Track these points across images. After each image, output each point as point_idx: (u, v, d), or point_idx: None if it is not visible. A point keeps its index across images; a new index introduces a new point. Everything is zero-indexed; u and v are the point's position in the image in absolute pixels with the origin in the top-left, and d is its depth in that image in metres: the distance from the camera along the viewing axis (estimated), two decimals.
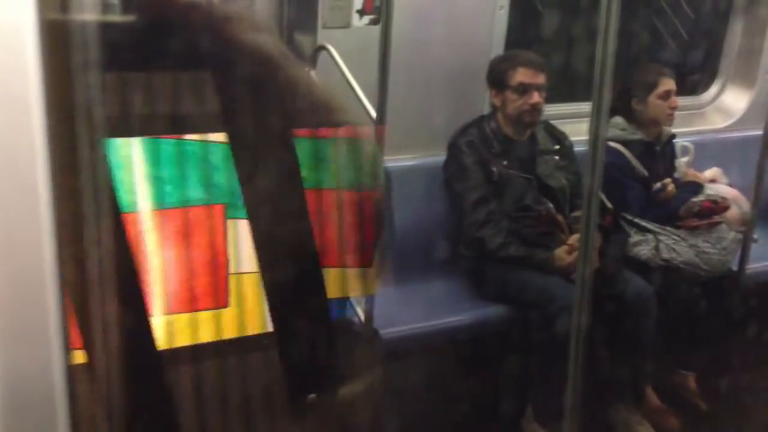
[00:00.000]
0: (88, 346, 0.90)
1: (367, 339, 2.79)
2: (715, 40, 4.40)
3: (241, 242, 1.09)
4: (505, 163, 3.23)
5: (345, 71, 2.82)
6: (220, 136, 1.07)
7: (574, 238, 3.07)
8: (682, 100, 3.72)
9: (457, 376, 3.14)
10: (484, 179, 3.20)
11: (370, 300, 2.77)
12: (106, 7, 1.07)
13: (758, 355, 3.55)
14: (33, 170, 0.55)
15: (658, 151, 3.63)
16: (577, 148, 3.40)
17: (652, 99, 3.51)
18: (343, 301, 1.24)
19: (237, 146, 1.07)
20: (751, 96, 4.26)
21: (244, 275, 1.10)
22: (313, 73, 2.79)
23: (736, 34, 4.28)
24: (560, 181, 3.30)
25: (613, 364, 3.15)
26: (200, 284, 1.06)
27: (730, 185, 3.80)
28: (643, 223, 3.44)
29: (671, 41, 4.56)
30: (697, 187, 3.61)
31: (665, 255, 3.37)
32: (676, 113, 3.60)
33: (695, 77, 4.51)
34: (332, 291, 1.18)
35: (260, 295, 1.11)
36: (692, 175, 3.77)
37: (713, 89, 4.41)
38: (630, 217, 3.45)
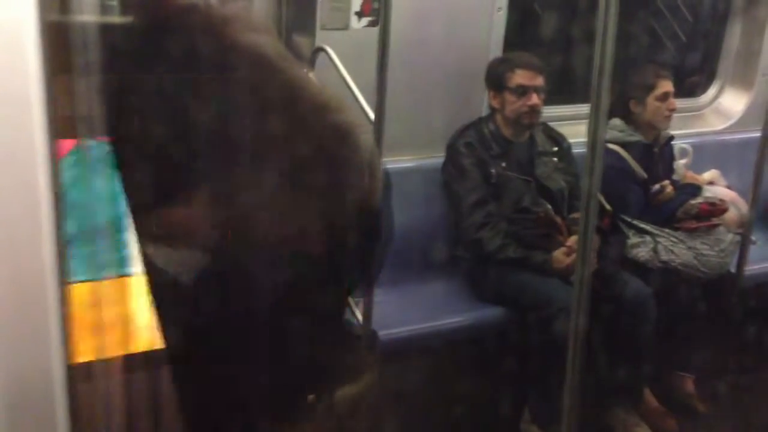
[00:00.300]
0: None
1: (365, 340, 2.80)
2: (714, 41, 4.40)
3: None
4: (503, 164, 3.23)
5: (343, 73, 2.82)
6: None
7: (572, 240, 3.07)
8: (680, 102, 3.73)
9: (455, 377, 3.14)
10: (483, 181, 3.20)
11: (368, 302, 2.77)
12: (105, 9, 1.07)
13: (756, 356, 3.56)
14: (33, 170, 0.55)
15: (657, 153, 3.63)
16: (575, 150, 3.41)
17: (651, 101, 3.51)
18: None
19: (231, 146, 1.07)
20: (749, 98, 4.26)
21: None
22: (311, 74, 2.79)
23: (734, 35, 4.28)
24: (559, 182, 3.30)
25: (611, 366, 3.15)
26: None
27: (729, 187, 3.80)
28: (642, 225, 3.44)
29: (669, 43, 4.56)
30: (695, 189, 3.61)
31: (663, 257, 3.37)
32: (675, 115, 3.60)
33: (693, 79, 4.51)
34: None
35: None
36: (690, 177, 3.78)
37: (711, 91, 4.41)
38: (628, 219, 3.45)
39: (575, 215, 3.14)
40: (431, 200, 3.36)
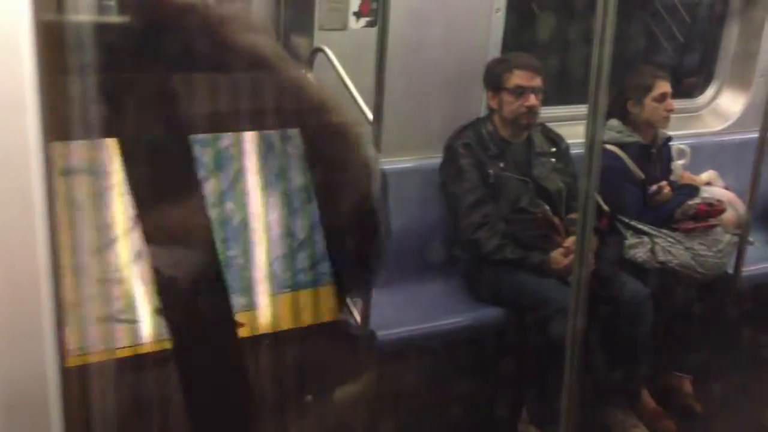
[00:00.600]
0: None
1: (363, 341, 2.79)
2: (711, 43, 4.41)
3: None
4: (501, 165, 3.23)
5: (342, 73, 2.82)
6: None
7: (570, 241, 3.07)
8: (678, 103, 3.73)
9: (453, 378, 3.14)
10: (480, 181, 3.20)
11: (366, 302, 2.77)
12: (102, 9, 1.07)
13: (754, 357, 3.56)
14: (28, 171, 0.55)
15: (654, 154, 3.63)
16: (573, 151, 3.41)
17: (648, 101, 3.51)
18: None
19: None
20: (746, 99, 4.27)
21: None
22: (309, 75, 2.79)
23: (732, 36, 4.29)
24: (556, 183, 3.30)
25: (609, 367, 3.15)
26: None
27: (726, 188, 3.80)
28: (639, 226, 3.44)
29: (667, 44, 4.57)
30: (693, 190, 3.61)
31: (661, 257, 3.38)
32: (672, 116, 3.61)
33: (691, 80, 4.52)
34: None
35: None
36: (688, 177, 3.78)
37: (709, 92, 4.41)
38: (626, 220, 3.45)
39: (573, 216, 3.14)
40: (429, 201, 3.36)
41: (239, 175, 1.08)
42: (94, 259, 0.93)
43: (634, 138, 3.55)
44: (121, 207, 0.96)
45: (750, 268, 3.57)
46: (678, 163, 3.78)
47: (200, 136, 1.06)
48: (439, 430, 3.15)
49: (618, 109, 3.53)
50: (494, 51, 3.48)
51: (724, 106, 4.36)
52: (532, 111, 3.23)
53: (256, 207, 1.08)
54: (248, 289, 1.06)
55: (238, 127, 1.10)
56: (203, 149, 1.06)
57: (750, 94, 4.24)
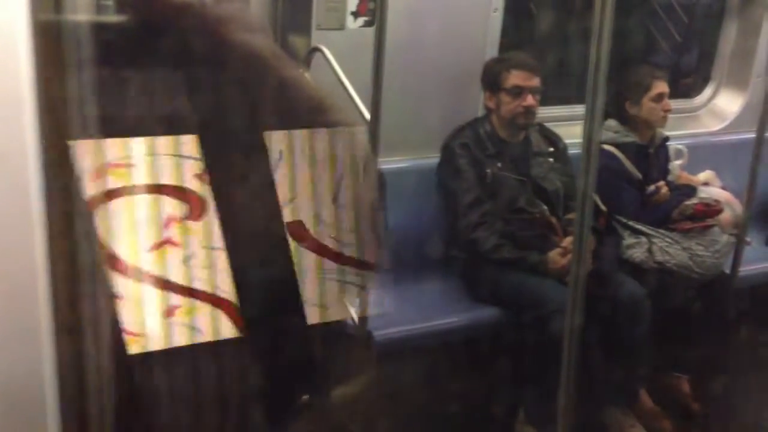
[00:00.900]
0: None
1: (360, 341, 2.79)
2: (708, 43, 4.41)
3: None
4: (498, 165, 3.23)
5: (339, 73, 2.82)
6: None
7: (567, 241, 3.07)
8: (675, 103, 3.73)
9: (451, 378, 3.14)
10: (478, 181, 3.20)
11: (363, 302, 2.77)
12: (100, 9, 1.07)
13: (751, 357, 3.56)
14: (24, 169, 0.55)
15: (652, 154, 3.63)
16: (570, 151, 3.40)
17: (646, 102, 3.51)
18: None
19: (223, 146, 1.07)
20: (744, 99, 4.27)
21: None
22: (307, 74, 2.79)
23: (729, 36, 4.29)
24: (554, 183, 3.30)
25: (606, 367, 3.15)
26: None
27: (724, 188, 3.80)
28: (637, 226, 3.44)
29: (664, 44, 4.57)
30: (690, 190, 3.61)
31: (658, 257, 3.38)
32: (670, 116, 3.61)
33: (688, 80, 4.53)
34: None
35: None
36: (685, 177, 3.78)
37: (706, 92, 4.42)
38: (623, 220, 3.45)
39: (570, 216, 3.14)
40: (427, 200, 3.36)
41: None
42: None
43: (632, 138, 3.55)
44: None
45: (747, 268, 3.57)
46: (676, 164, 3.78)
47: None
48: (436, 430, 3.15)
49: (615, 109, 3.53)
50: (492, 51, 3.48)
51: (722, 107, 4.36)
52: (529, 111, 3.23)
53: None
54: None
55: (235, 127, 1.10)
56: None
57: (747, 94, 4.24)
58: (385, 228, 1.24)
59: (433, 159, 3.34)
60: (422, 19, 3.26)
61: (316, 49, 2.95)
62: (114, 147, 0.99)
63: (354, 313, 2.79)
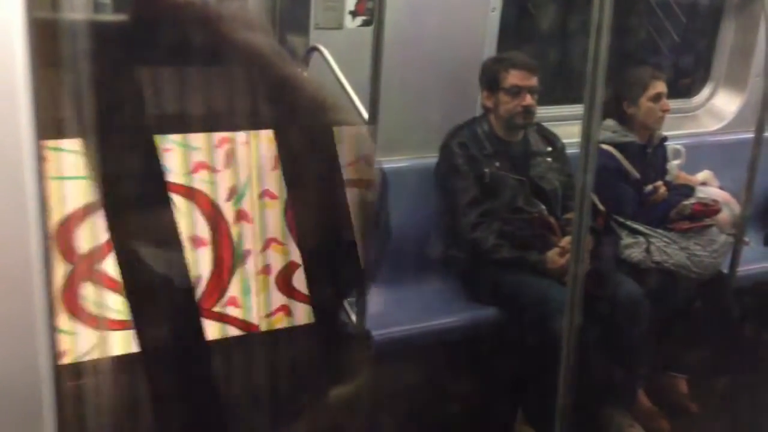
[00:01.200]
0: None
1: (358, 340, 2.79)
2: (707, 42, 4.41)
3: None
4: (497, 164, 3.23)
5: (337, 72, 2.82)
6: None
7: (566, 240, 3.07)
8: (673, 103, 3.73)
9: (449, 377, 3.14)
10: (476, 181, 3.20)
11: (362, 301, 2.77)
12: (98, 7, 1.06)
13: (749, 357, 3.56)
14: (20, 167, 0.55)
15: (650, 154, 3.63)
16: (569, 151, 3.40)
17: (644, 101, 3.51)
18: None
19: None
20: (742, 99, 4.27)
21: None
22: (305, 74, 2.78)
23: (727, 36, 4.29)
24: (552, 182, 3.30)
25: (605, 367, 3.15)
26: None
27: (722, 188, 3.80)
28: (635, 226, 3.44)
29: (663, 44, 4.57)
30: (688, 190, 3.61)
31: (656, 257, 3.38)
32: (668, 116, 3.61)
33: (687, 80, 4.53)
34: None
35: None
36: (684, 177, 3.78)
37: (705, 92, 4.42)
38: (621, 220, 3.45)
39: (569, 215, 3.14)
40: (425, 200, 3.36)
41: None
42: None
43: (630, 138, 3.55)
44: None
45: (745, 268, 3.57)
46: (674, 163, 3.78)
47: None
48: (435, 429, 3.15)
49: (614, 109, 3.53)
50: (490, 50, 3.48)
51: (720, 106, 4.36)
52: (528, 111, 3.23)
53: None
54: None
55: (237, 126, 1.09)
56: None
57: (745, 94, 4.25)
58: (388, 227, 1.25)
59: (431, 158, 3.34)
60: (420, 19, 3.26)
61: (315, 49, 2.95)
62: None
63: (352, 312, 2.79)
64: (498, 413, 3.16)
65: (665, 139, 3.70)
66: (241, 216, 1.08)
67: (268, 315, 1.12)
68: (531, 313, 2.99)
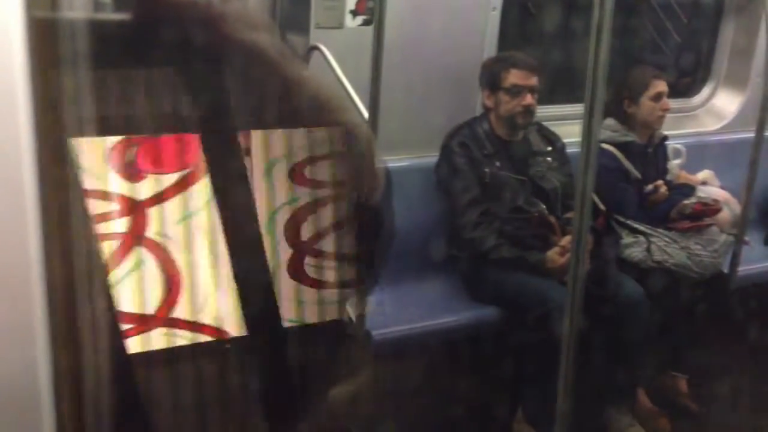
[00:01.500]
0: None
1: (358, 340, 2.79)
2: (707, 42, 4.41)
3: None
4: (497, 164, 3.23)
5: (337, 71, 2.82)
6: None
7: (566, 240, 3.07)
8: (673, 103, 3.73)
9: (449, 377, 3.14)
10: (477, 180, 3.20)
11: (362, 301, 2.76)
12: (98, 6, 1.06)
13: (750, 357, 3.56)
14: (20, 167, 0.54)
15: (650, 153, 3.63)
16: (569, 150, 3.40)
17: (644, 101, 3.51)
18: None
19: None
20: (742, 98, 4.27)
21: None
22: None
23: (727, 36, 4.29)
24: (553, 182, 3.30)
25: (605, 366, 3.15)
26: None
27: (722, 187, 3.80)
28: (635, 225, 3.44)
29: (663, 43, 4.57)
30: (688, 190, 3.61)
31: (657, 257, 3.38)
32: (668, 115, 3.61)
33: (687, 79, 4.52)
34: None
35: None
36: (684, 177, 3.78)
37: (705, 91, 4.42)
38: (622, 219, 3.45)
39: (569, 215, 3.14)
40: (425, 200, 3.35)
41: None
42: None
43: (630, 137, 3.55)
44: None
45: (745, 268, 3.57)
46: (674, 163, 3.78)
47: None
48: (434, 429, 3.15)
49: (614, 109, 3.53)
50: (490, 50, 3.48)
51: (720, 106, 4.36)
52: (528, 110, 3.22)
53: None
54: None
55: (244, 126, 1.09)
56: None
57: (746, 93, 4.24)
58: (392, 227, 1.25)
59: (431, 158, 3.34)
60: (421, 18, 3.26)
61: (315, 48, 2.95)
62: None
63: (352, 312, 2.78)
64: (497, 412, 3.16)
65: (666, 138, 3.70)
66: None
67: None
68: (531, 312, 2.98)
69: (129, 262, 1.04)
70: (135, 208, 1.05)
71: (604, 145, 3.43)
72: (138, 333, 1.04)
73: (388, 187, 1.22)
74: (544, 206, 3.23)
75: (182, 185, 1.07)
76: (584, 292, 1.96)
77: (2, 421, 0.56)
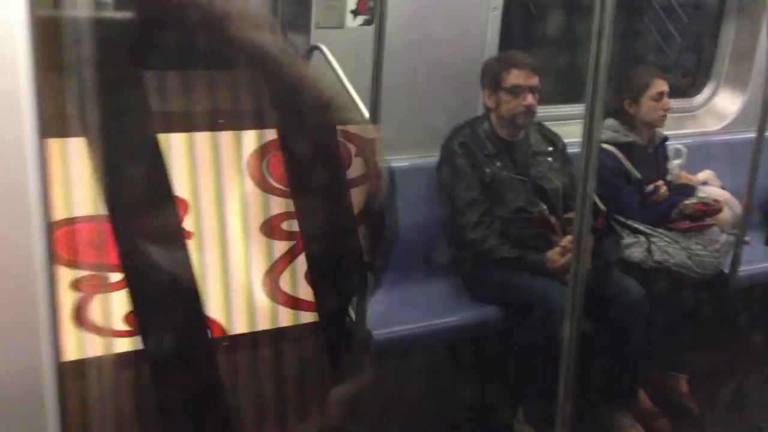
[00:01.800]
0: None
1: (359, 340, 2.79)
2: (708, 42, 4.41)
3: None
4: (498, 164, 3.23)
5: (338, 71, 2.81)
6: None
7: (567, 240, 3.07)
8: (674, 103, 3.73)
9: (450, 377, 3.14)
10: (477, 180, 3.19)
11: (363, 301, 2.77)
12: (99, 5, 1.06)
13: (750, 356, 3.56)
14: (23, 166, 0.54)
15: (651, 154, 3.63)
16: (570, 150, 3.40)
17: (645, 101, 3.51)
18: None
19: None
20: (743, 98, 4.27)
21: None
22: None
23: (729, 36, 4.28)
24: (554, 182, 3.30)
25: (605, 367, 3.15)
26: None
27: (723, 188, 3.80)
28: (636, 225, 3.44)
29: (664, 43, 4.57)
30: (689, 190, 3.61)
31: (657, 257, 3.37)
32: (670, 115, 3.61)
33: (688, 79, 4.52)
34: None
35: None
36: (685, 177, 3.78)
37: (706, 91, 4.42)
38: (623, 219, 3.45)
39: (570, 215, 3.14)
40: (425, 200, 3.35)
41: None
42: None
43: (631, 137, 3.55)
44: None
45: (746, 268, 3.57)
46: (675, 163, 3.78)
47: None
48: (434, 429, 3.15)
49: (615, 109, 3.53)
50: (491, 50, 3.48)
51: (721, 106, 4.36)
52: (529, 110, 3.22)
53: None
54: None
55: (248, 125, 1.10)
56: None
57: (747, 93, 4.24)
58: (396, 226, 1.25)
59: (431, 158, 3.34)
60: (422, 18, 3.26)
61: (316, 48, 2.95)
62: None
63: (352, 312, 2.79)
64: (498, 412, 3.16)
65: (666, 138, 3.70)
66: None
67: None
68: (532, 312, 2.98)
69: None
70: None
71: (605, 146, 3.43)
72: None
73: (393, 186, 1.22)
74: (545, 206, 3.23)
75: None
76: (585, 293, 1.96)
77: (8, 417, 0.56)
